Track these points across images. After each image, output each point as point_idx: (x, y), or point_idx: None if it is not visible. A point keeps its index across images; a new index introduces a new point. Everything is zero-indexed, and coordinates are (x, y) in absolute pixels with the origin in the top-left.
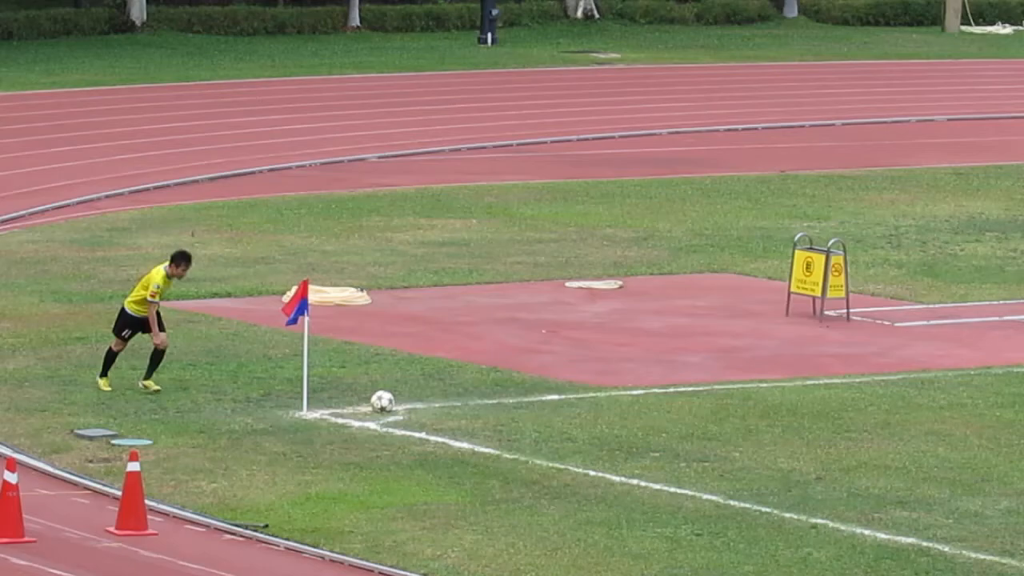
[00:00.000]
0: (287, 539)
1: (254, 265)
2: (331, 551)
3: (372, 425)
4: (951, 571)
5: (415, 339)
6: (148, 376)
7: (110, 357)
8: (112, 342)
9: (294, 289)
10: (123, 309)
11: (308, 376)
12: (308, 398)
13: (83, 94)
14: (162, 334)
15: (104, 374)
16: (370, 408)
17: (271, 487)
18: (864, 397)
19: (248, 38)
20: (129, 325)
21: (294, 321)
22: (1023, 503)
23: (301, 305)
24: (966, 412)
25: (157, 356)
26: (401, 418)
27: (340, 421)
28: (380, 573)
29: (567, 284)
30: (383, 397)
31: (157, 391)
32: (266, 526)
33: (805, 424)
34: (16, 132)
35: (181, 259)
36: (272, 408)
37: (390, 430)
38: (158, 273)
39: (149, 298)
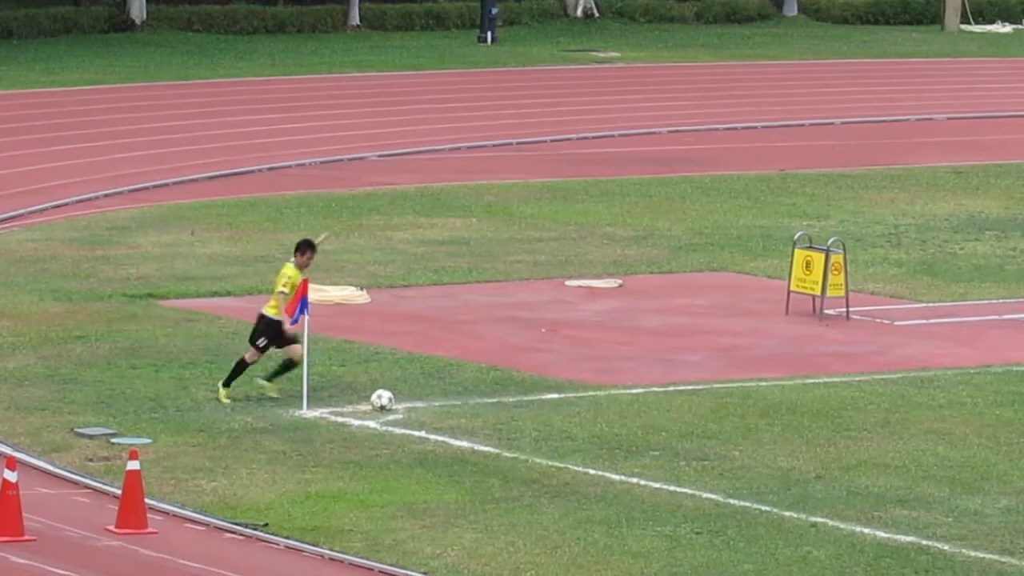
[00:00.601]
0: (287, 538)
1: (254, 264)
2: (331, 550)
3: (372, 424)
4: (951, 569)
5: (415, 338)
6: (270, 379)
7: (240, 367)
8: (246, 352)
9: (291, 289)
10: (260, 315)
11: (308, 375)
12: (308, 397)
13: (82, 93)
14: (296, 345)
15: (227, 383)
16: (370, 407)
17: (271, 486)
18: (864, 396)
19: (248, 37)
20: (264, 333)
21: (296, 320)
22: (1022, 501)
23: (302, 304)
24: (965, 411)
25: (289, 365)
26: (401, 417)
27: (340, 420)
28: (380, 572)
29: (567, 283)
30: (383, 396)
31: (274, 397)
32: (266, 525)
33: (805, 423)
34: (15, 131)
35: (305, 247)
36: (272, 407)
37: (390, 429)
38: (286, 267)
39: (280, 288)
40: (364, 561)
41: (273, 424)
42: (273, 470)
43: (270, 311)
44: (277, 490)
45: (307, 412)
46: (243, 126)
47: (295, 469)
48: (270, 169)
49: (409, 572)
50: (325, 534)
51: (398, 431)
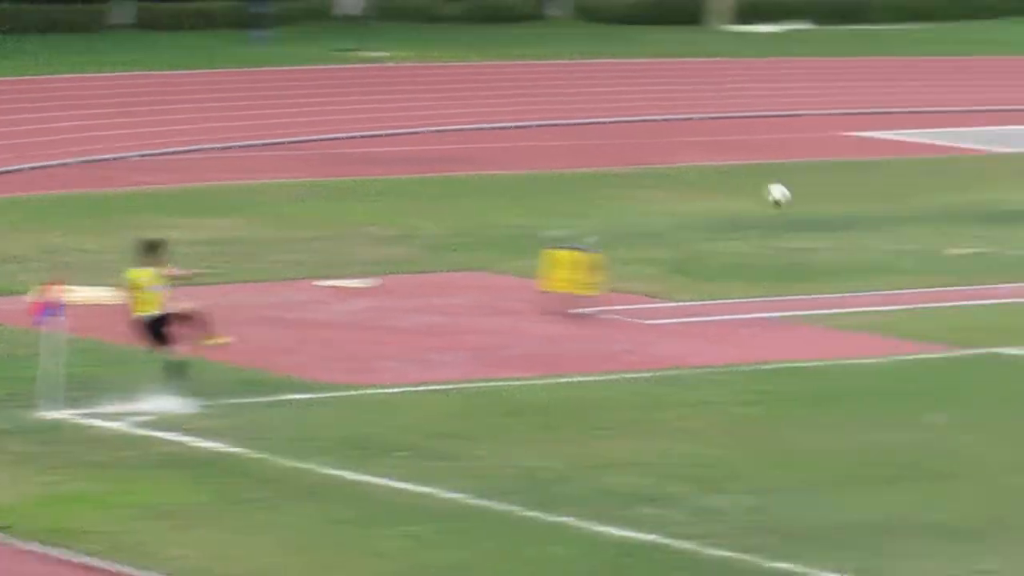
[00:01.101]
0: (28, 540)
1: (4, 264)
2: (73, 551)
3: (120, 425)
4: (689, 568)
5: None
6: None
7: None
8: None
9: (38, 289)
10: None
11: (59, 375)
12: (55, 398)
13: None
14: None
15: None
16: (119, 408)
17: (13, 487)
18: (614, 395)
19: (17, 36)
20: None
21: (41, 322)
22: (765, 501)
23: (48, 306)
24: (713, 409)
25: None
26: (151, 418)
27: (86, 421)
28: (117, 573)
29: (317, 283)
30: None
31: None
32: (9, 527)
33: (554, 422)
34: None
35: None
36: (16, 408)
37: (138, 430)
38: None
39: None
40: (105, 564)
41: (17, 425)
42: (16, 472)
43: (140, 312)
44: (19, 492)
45: (54, 413)
46: (5, 125)
47: (39, 471)
48: (31, 168)
49: (152, 573)
50: (67, 536)
51: (146, 432)
